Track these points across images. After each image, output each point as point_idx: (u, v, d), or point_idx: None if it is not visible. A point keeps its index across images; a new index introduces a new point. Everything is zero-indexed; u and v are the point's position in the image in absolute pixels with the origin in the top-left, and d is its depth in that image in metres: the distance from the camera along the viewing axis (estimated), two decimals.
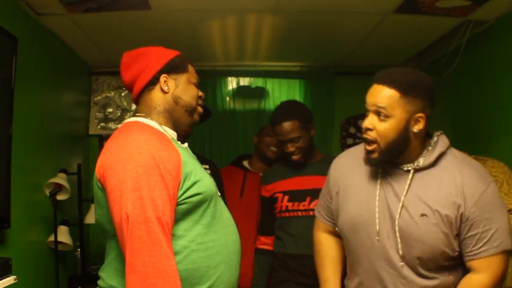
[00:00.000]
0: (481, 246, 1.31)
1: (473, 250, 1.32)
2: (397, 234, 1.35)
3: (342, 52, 3.19)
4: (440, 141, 1.40)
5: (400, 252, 1.35)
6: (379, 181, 1.42)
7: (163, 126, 1.38)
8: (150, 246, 1.12)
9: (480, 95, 2.71)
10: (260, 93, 3.59)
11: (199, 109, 1.46)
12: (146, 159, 1.18)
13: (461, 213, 1.31)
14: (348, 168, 1.56)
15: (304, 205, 2.11)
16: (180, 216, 1.24)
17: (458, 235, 1.34)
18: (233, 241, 1.38)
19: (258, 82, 3.61)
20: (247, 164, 2.65)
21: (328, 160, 2.19)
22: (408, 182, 1.36)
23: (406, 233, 1.34)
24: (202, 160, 2.10)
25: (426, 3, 2.29)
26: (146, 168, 1.17)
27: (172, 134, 1.39)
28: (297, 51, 3.22)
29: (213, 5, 2.33)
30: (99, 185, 1.25)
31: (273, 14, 2.49)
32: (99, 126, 3.43)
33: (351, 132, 3.56)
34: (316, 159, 2.19)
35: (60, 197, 2.46)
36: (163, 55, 1.40)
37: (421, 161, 1.37)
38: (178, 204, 1.23)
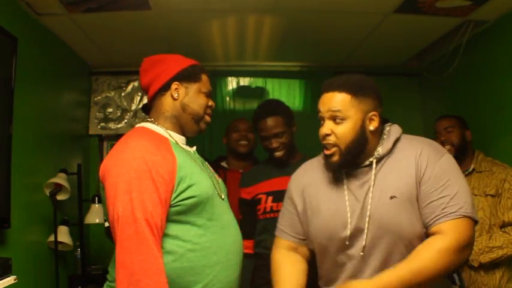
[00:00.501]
0: (440, 212, 1.30)
1: (433, 218, 1.31)
2: (366, 219, 1.34)
3: (342, 52, 3.19)
4: (393, 129, 1.46)
5: (363, 242, 1.35)
6: (345, 186, 1.43)
7: (169, 131, 1.45)
8: (137, 246, 1.19)
9: (480, 95, 2.71)
10: (260, 93, 3.59)
11: (207, 118, 1.51)
12: (139, 164, 1.26)
13: (419, 182, 1.34)
14: (310, 179, 1.55)
15: None
16: (175, 218, 1.30)
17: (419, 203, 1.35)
18: (232, 242, 1.42)
19: (258, 82, 3.61)
20: (225, 164, 2.64)
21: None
22: (373, 172, 1.39)
23: (380, 220, 1.34)
24: None
25: (426, 3, 2.29)
26: (138, 172, 1.25)
27: (177, 139, 1.45)
28: (297, 51, 3.22)
29: (213, 5, 2.33)
30: (102, 186, 1.34)
31: (272, 14, 2.49)
32: (99, 126, 3.43)
33: None
34: (297, 159, 2.20)
35: (60, 197, 2.46)
36: (178, 63, 1.47)
37: (380, 150, 1.42)
38: (172, 206, 1.29)
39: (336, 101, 1.39)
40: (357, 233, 1.38)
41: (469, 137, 2.40)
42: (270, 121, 2.10)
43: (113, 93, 3.46)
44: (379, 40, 2.87)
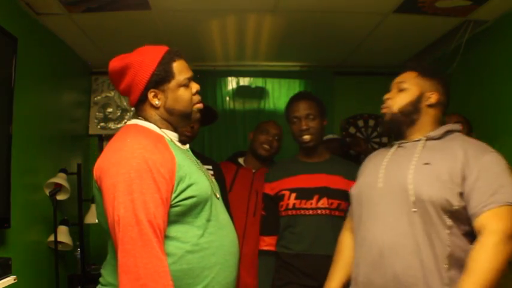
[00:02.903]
0: (488, 198, 1.33)
1: (480, 204, 1.33)
2: (410, 181, 1.43)
3: (341, 52, 3.19)
4: (450, 124, 1.58)
5: (413, 198, 1.41)
6: (389, 156, 1.58)
7: (163, 130, 1.40)
8: (141, 248, 1.16)
9: (480, 95, 2.71)
10: (260, 93, 3.59)
11: (198, 106, 1.45)
12: (139, 163, 1.22)
13: (463, 170, 1.38)
14: (372, 159, 1.73)
15: (311, 203, 2.07)
16: (174, 218, 1.27)
17: (461, 193, 1.37)
18: (230, 242, 1.40)
19: (258, 82, 3.61)
20: (241, 161, 2.64)
21: (336, 160, 2.20)
22: (420, 147, 1.50)
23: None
24: (204, 160, 2.08)
25: (426, 3, 2.29)
26: (139, 172, 1.21)
27: (172, 136, 1.41)
28: (297, 51, 3.22)
29: (213, 5, 2.34)
30: (97, 186, 1.29)
31: (272, 14, 2.49)
32: (99, 126, 3.43)
33: (350, 132, 3.56)
34: (324, 158, 2.19)
35: (60, 197, 2.46)
36: (145, 68, 1.36)
37: (431, 133, 1.53)
38: (172, 206, 1.26)
39: (404, 75, 1.60)
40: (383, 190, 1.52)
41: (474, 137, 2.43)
42: (304, 102, 2.14)
43: (112, 93, 3.46)
44: (379, 40, 2.87)
